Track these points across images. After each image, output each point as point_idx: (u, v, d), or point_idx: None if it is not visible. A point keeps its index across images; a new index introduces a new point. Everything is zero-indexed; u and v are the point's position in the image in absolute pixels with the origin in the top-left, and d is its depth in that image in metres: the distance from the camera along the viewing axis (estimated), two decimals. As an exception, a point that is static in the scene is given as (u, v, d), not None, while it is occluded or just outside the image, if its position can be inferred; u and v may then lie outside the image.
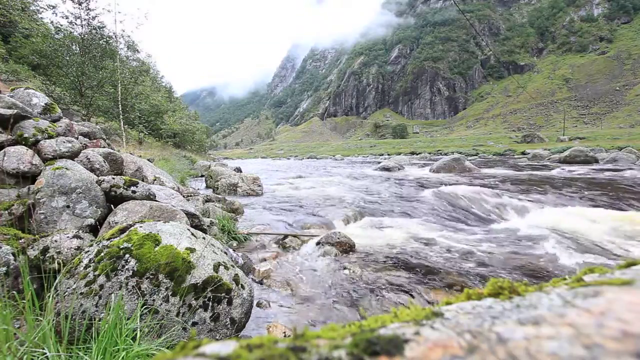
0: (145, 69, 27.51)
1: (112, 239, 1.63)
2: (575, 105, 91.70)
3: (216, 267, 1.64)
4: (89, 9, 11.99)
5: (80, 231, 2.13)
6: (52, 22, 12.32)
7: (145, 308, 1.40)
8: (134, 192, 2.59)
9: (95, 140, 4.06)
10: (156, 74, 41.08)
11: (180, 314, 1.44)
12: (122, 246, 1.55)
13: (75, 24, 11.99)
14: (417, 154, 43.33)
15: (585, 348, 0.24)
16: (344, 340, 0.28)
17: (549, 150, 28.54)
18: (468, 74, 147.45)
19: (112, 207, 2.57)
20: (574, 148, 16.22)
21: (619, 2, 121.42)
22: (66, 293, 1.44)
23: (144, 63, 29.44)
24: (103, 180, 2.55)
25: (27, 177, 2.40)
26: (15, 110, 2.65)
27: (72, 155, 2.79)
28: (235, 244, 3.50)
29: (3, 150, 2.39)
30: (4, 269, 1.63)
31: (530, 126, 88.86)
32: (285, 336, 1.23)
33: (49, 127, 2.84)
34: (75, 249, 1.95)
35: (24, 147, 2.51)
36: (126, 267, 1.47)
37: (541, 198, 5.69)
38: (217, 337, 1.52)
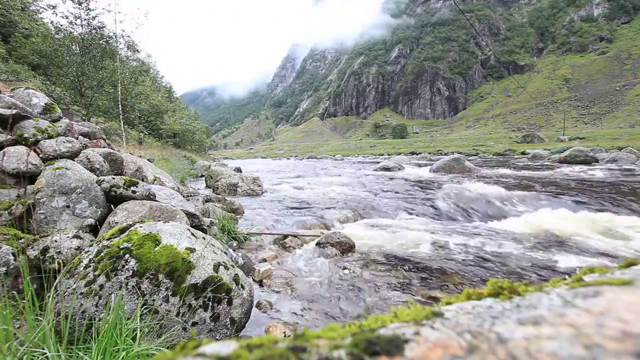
0: (145, 69, 27.48)
1: (112, 239, 1.63)
2: (575, 105, 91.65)
3: (216, 267, 1.64)
4: (89, 9, 11.97)
5: (80, 231, 2.13)
6: (52, 22, 12.29)
7: (145, 308, 1.40)
8: (134, 192, 2.59)
9: (95, 140, 4.06)
10: (156, 74, 41.01)
11: (180, 314, 1.44)
12: (122, 246, 1.55)
13: (75, 24, 11.97)
14: (417, 154, 43.28)
15: (585, 348, 0.24)
16: (344, 340, 0.28)
17: (549, 150, 28.52)
18: (468, 74, 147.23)
19: (112, 207, 2.57)
20: (573, 148, 16.21)
21: (619, 2, 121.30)
22: (66, 293, 1.44)
23: (144, 63, 29.38)
24: (103, 180, 2.55)
25: (27, 177, 2.39)
26: (15, 110, 2.65)
27: (72, 155, 2.79)
28: (235, 244, 3.50)
29: (3, 150, 2.38)
30: (4, 269, 1.63)
31: (530, 126, 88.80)
32: (285, 336, 1.22)
33: (49, 127, 2.83)
34: (75, 249, 1.95)
35: (24, 147, 2.51)
36: (126, 267, 1.47)
37: (541, 198, 5.69)
38: (217, 337, 1.51)
